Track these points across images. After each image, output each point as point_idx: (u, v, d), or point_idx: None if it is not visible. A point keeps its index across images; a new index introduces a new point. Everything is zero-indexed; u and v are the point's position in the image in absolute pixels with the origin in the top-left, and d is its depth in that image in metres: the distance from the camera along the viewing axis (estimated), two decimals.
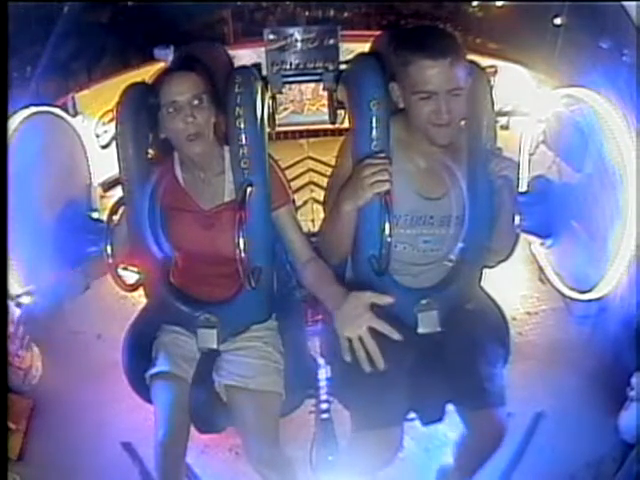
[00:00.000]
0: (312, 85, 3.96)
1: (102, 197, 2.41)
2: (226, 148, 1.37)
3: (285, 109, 4.13)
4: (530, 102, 2.34)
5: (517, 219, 1.35)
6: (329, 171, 1.46)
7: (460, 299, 1.45)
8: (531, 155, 1.86)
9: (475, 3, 5.99)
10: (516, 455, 1.77)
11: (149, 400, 1.41)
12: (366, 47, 1.63)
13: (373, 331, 1.15)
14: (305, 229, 1.46)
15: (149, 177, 1.37)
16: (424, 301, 1.39)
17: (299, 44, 2.39)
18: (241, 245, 1.27)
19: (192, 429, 1.38)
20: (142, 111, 1.33)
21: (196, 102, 1.28)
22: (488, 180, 1.31)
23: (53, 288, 1.44)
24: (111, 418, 1.95)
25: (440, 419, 1.39)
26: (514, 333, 1.63)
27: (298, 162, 3.81)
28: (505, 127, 2.85)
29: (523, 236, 1.52)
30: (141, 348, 1.48)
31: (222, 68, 1.49)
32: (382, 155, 1.26)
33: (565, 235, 1.71)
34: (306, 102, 4.18)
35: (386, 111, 1.28)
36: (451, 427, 1.54)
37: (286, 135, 4.12)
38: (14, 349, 2.05)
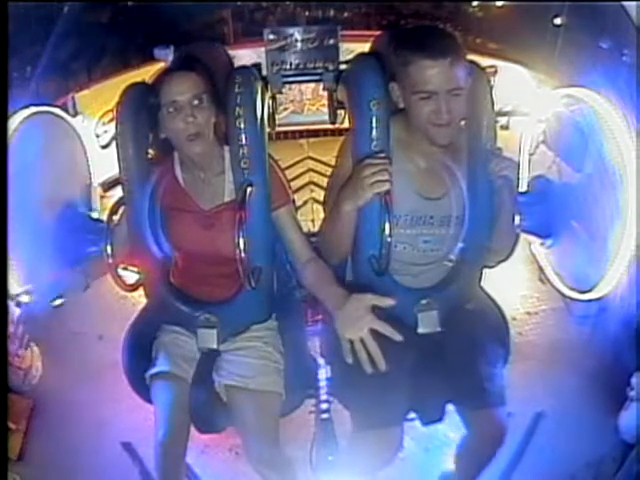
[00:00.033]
0: (312, 85, 3.96)
1: (102, 197, 2.41)
2: (226, 148, 1.37)
3: (285, 109, 4.13)
4: (530, 102, 2.34)
5: (517, 219, 1.35)
6: (329, 171, 1.46)
7: (460, 299, 1.45)
8: (531, 155, 1.86)
9: (475, 3, 5.99)
10: (516, 455, 1.77)
11: (149, 400, 1.41)
12: (366, 47, 1.63)
13: (374, 332, 1.15)
14: (305, 229, 1.46)
15: (149, 177, 1.37)
16: (424, 301, 1.39)
17: (299, 44, 2.39)
18: (241, 245, 1.27)
19: (192, 429, 1.38)
20: (142, 111, 1.32)
21: (196, 102, 1.28)
22: (488, 180, 1.31)
23: (53, 288, 1.44)
24: (111, 418, 1.95)
25: (440, 419, 1.39)
26: (514, 333, 1.63)
27: (298, 162, 3.81)
28: (505, 127, 2.85)
29: (523, 236, 1.52)
30: (141, 348, 1.48)
31: (222, 68, 1.49)
32: (382, 155, 1.26)
33: (565, 235, 1.71)
34: (306, 102, 4.18)
35: (386, 111, 1.28)
36: (451, 427, 1.54)
37: (286, 135, 4.12)
38: (14, 349, 2.05)
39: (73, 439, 1.89)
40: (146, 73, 1.45)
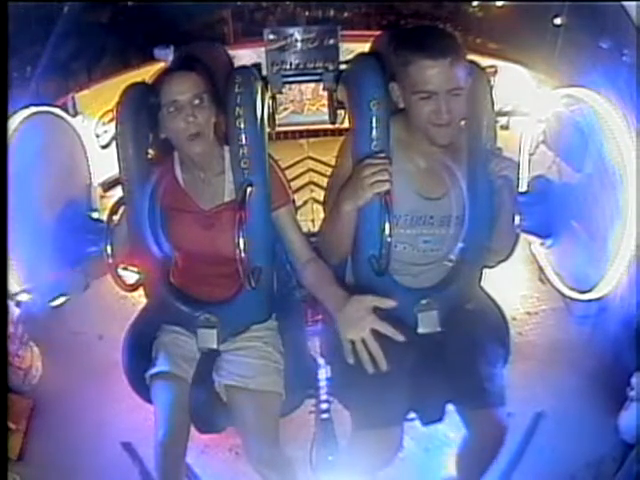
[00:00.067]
0: (312, 85, 3.96)
1: (102, 197, 2.41)
2: (226, 148, 1.37)
3: (285, 109, 4.13)
4: (530, 102, 2.34)
5: (517, 219, 1.35)
6: (329, 171, 1.46)
7: (460, 299, 1.45)
8: (531, 155, 1.86)
9: (475, 3, 5.99)
10: (516, 455, 1.77)
11: (149, 400, 1.41)
12: (366, 47, 1.63)
13: (375, 332, 1.15)
14: (305, 229, 1.46)
15: (149, 177, 1.37)
16: (424, 301, 1.39)
17: (299, 44, 2.39)
18: (241, 245, 1.27)
19: (192, 429, 1.38)
20: (142, 111, 1.33)
21: (197, 102, 1.28)
22: (488, 180, 1.31)
23: (53, 288, 1.44)
24: (111, 418, 1.95)
25: (440, 419, 1.39)
26: (514, 333, 1.63)
27: (298, 162, 3.81)
28: (505, 127, 2.85)
29: (523, 236, 1.52)
30: (141, 348, 1.48)
31: (222, 68, 1.49)
32: (382, 155, 1.26)
33: (565, 235, 1.71)
34: (306, 102, 4.18)
35: (386, 111, 1.28)
36: (451, 427, 1.54)
37: (286, 135, 4.12)
38: (14, 349, 2.05)
39: (73, 439, 1.89)
40: (146, 73, 1.45)
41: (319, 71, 2.37)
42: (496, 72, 3.10)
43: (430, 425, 1.41)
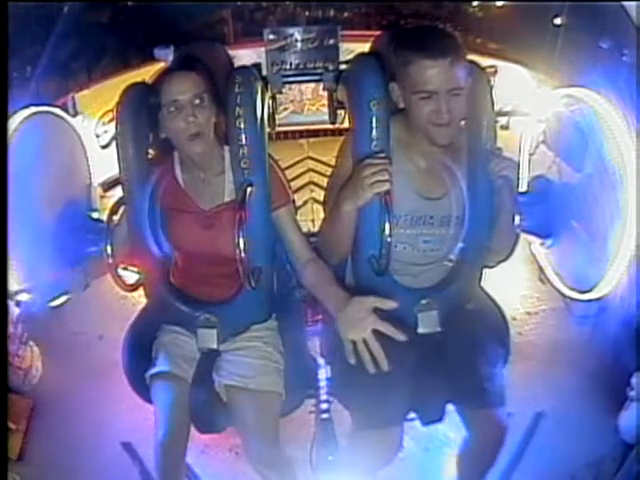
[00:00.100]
0: (312, 85, 3.96)
1: (102, 197, 2.41)
2: (226, 148, 1.37)
3: (285, 109, 4.13)
4: (530, 102, 2.34)
5: (517, 219, 1.35)
6: (329, 171, 1.46)
7: (460, 299, 1.45)
8: (531, 155, 1.86)
9: (475, 3, 5.99)
10: (516, 455, 1.77)
11: (149, 400, 1.41)
12: (366, 47, 1.63)
13: (376, 332, 1.15)
14: (305, 229, 1.46)
15: (149, 177, 1.37)
16: (424, 301, 1.39)
17: (299, 44, 2.39)
18: (241, 245, 1.27)
19: (192, 429, 1.38)
20: (142, 111, 1.33)
21: (197, 101, 1.28)
22: (488, 180, 1.31)
23: (53, 288, 1.44)
24: (111, 418, 1.95)
25: (440, 419, 1.39)
26: (514, 333, 1.63)
27: (298, 162, 3.81)
28: (505, 127, 2.85)
29: (523, 236, 1.52)
30: (141, 348, 1.48)
31: (222, 68, 1.49)
32: (382, 155, 1.26)
33: (565, 235, 1.71)
34: (306, 102, 4.18)
35: (386, 111, 1.28)
36: (451, 427, 1.54)
37: (286, 135, 4.12)
38: (14, 349, 2.05)
39: (73, 439, 1.89)
40: (146, 73, 1.45)
41: (319, 71, 2.37)
42: (496, 72, 3.10)
43: (430, 425, 1.41)
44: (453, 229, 1.35)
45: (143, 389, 1.43)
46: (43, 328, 2.09)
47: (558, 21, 3.45)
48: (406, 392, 1.34)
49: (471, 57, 1.28)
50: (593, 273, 1.56)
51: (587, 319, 2.11)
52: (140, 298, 1.59)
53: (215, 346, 1.42)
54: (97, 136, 3.05)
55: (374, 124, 1.27)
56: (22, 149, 1.51)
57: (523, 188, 1.79)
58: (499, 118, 1.61)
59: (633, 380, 1.83)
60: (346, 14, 6.43)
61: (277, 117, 3.25)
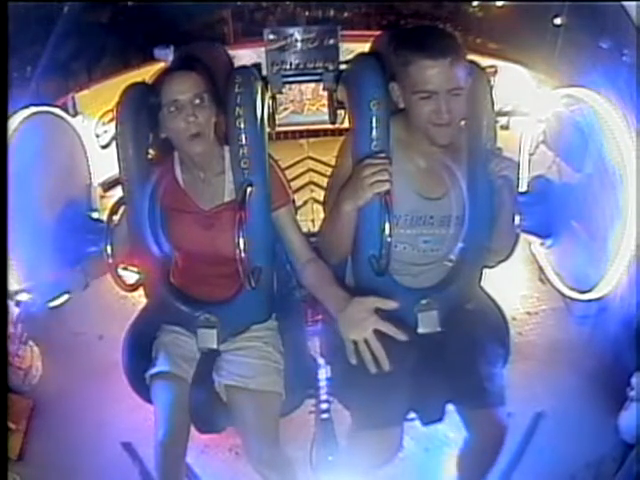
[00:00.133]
0: (312, 85, 3.96)
1: (102, 197, 2.41)
2: (226, 148, 1.37)
3: (285, 109, 4.13)
4: (530, 102, 2.34)
5: (517, 219, 1.35)
6: (329, 171, 1.46)
7: (460, 299, 1.45)
8: (531, 155, 1.86)
9: (475, 3, 5.99)
10: (516, 455, 1.77)
11: (149, 400, 1.41)
12: (366, 47, 1.63)
13: (377, 332, 1.15)
14: (305, 229, 1.46)
15: (149, 177, 1.37)
16: (424, 301, 1.39)
17: (299, 44, 2.39)
18: (241, 245, 1.27)
19: (192, 429, 1.38)
20: (142, 111, 1.33)
21: (197, 101, 1.28)
22: (488, 180, 1.31)
23: (53, 287, 1.44)
24: (111, 418, 1.95)
25: (440, 419, 1.39)
26: (514, 333, 1.63)
27: (298, 162, 3.81)
28: (505, 127, 2.85)
29: (523, 236, 1.52)
30: (141, 348, 1.48)
31: (222, 68, 1.49)
32: (382, 155, 1.26)
33: (565, 235, 1.71)
34: (306, 102, 4.18)
35: (386, 111, 1.28)
36: (451, 427, 1.54)
37: (286, 135, 4.12)
38: (14, 349, 2.05)
39: (73, 439, 1.89)
40: (146, 73, 1.45)
41: (319, 71, 2.37)
42: (496, 72, 3.10)
43: (430, 425, 1.41)
44: (453, 229, 1.35)
45: (143, 389, 1.43)
46: (43, 328, 2.09)
47: (558, 21, 3.45)
48: (406, 392, 1.34)
49: (471, 57, 1.28)
50: (593, 273, 1.56)
51: (587, 319, 2.11)
52: (140, 298, 1.59)
53: (215, 346, 1.42)
54: (97, 136, 3.06)
55: (374, 124, 1.27)
56: (22, 149, 1.51)
57: (523, 188, 1.79)
58: (499, 118, 1.61)
59: (633, 380, 1.83)
60: (346, 14, 6.43)
61: (277, 117, 3.25)
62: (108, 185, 2.61)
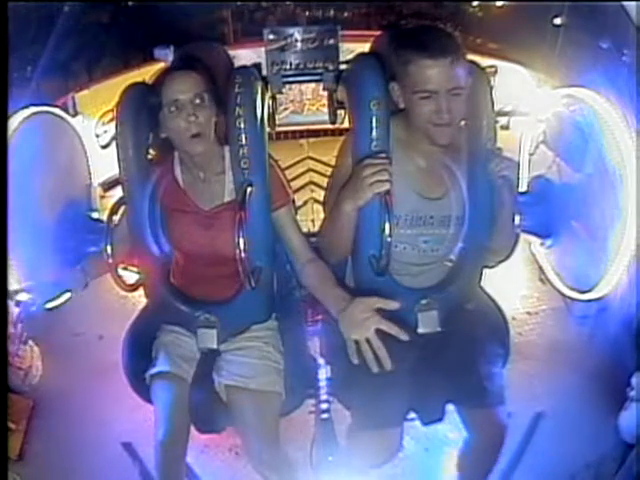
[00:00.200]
0: (312, 85, 3.96)
1: (102, 197, 2.40)
2: (226, 148, 1.37)
3: (285, 109, 4.13)
4: (530, 102, 2.34)
5: (517, 219, 1.35)
6: (329, 171, 1.46)
7: (460, 299, 1.45)
8: (531, 155, 1.86)
9: (475, 3, 5.99)
10: (516, 455, 1.77)
11: (149, 400, 1.41)
12: (366, 47, 1.63)
13: (378, 332, 1.15)
14: (305, 229, 1.46)
15: (149, 177, 1.37)
16: (424, 301, 1.39)
17: (299, 44, 2.39)
18: (241, 245, 1.27)
19: (192, 429, 1.38)
20: (142, 111, 1.33)
21: (198, 101, 1.28)
22: (488, 180, 1.31)
23: (53, 287, 1.45)
24: (111, 418, 1.95)
25: (440, 419, 1.39)
26: (514, 333, 1.63)
27: (298, 162, 3.81)
28: (505, 127, 2.85)
29: (523, 236, 1.52)
30: (141, 348, 1.48)
31: (222, 68, 1.49)
32: (382, 155, 1.26)
33: (565, 235, 1.71)
34: (306, 102, 4.18)
35: (386, 111, 1.28)
36: (451, 427, 1.54)
37: (286, 135, 4.11)
38: (14, 349, 2.05)
39: (73, 439, 1.89)
40: (146, 73, 1.45)
41: (319, 71, 2.37)
42: (496, 72, 3.10)
43: (430, 425, 1.41)
44: (453, 229, 1.35)
45: (143, 389, 1.43)
46: (43, 328, 2.09)
47: (558, 21, 3.45)
48: (406, 392, 1.34)
49: (471, 57, 1.28)
50: (593, 273, 1.56)
51: (587, 319, 2.11)
52: (140, 298, 1.59)
53: (215, 346, 1.42)
54: (97, 136, 3.05)
55: (374, 124, 1.27)
56: (22, 149, 1.51)
57: (523, 188, 1.79)
58: (499, 118, 1.61)
59: (633, 380, 1.83)
60: (346, 14, 6.43)
61: (277, 117, 3.25)
62: (108, 185, 2.61)
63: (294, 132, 4.17)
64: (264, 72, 2.33)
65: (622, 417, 1.86)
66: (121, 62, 4.72)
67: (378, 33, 1.66)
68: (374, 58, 1.35)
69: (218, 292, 1.43)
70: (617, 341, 1.87)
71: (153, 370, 1.41)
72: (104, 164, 2.08)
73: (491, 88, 1.35)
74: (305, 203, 3.15)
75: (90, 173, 1.92)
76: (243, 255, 1.28)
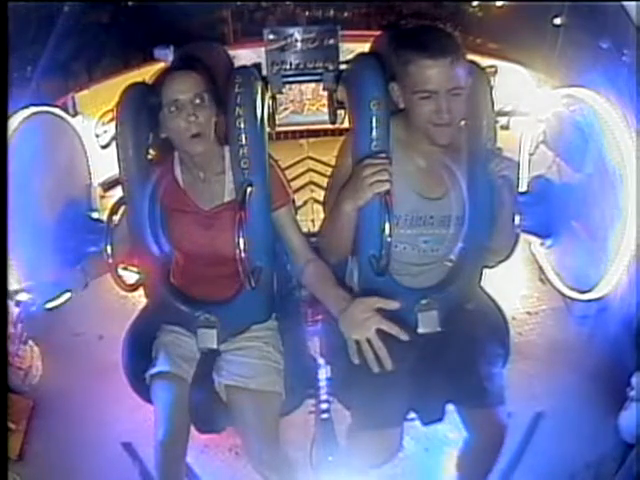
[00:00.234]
0: (312, 85, 3.96)
1: (102, 197, 2.40)
2: (226, 148, 1.37)
3: (285, 109, 4.13)
4: (530, 102, 2.34)
5: (517, 219, 1.35)
6: (329, 171, 1.46)
7: (460, 299, 1.45)
8: (531, 155, 1.86)
9: (475, 3, 5.99)
10: (516, 455, 1.77)
11: (149, 400, 1.41)
12: (366, 47, 1.63)
13: (379, 332, 1.15)
14: (305, 229, 1.46)
15: (149, 177, 1.37)
16: (424, 301, 1.39)
17: (299, 44, 2.39)
18: (241, 245, 1.27)
19: (192, 429, 1.38)
20: (142, 111, 1.33)
21: (198, 101, 1.28)
22: (488, 180, 1.31)
23: (53, 287, 1.45)
24: (111, 418, 1.95)
25: (440, 419, 1.39)
26: (514, 333, 1.63)
27: (298, 162, 3.81)
28: (505, 127, 2.85)
29: (523, 236, 1.52)
30: (141, 348, 1.48)
31: (222, 68, 1.49)
32: (382, 155, 1.26)
33: (565, 235, 1.71)
34: (306, 102, 4.18)
35: (386, 111, 1.28)
36: (451, 427, 1.54)
37: (286, 135, 4.11)
38: (14, 349, 2.05)
39: (73, 439, 1.89)
40: (146, 73, 1.45)
41: (319, 71, 2.37)
42: (496, 72, 3.10)
43: (430, 425, 1.41)
44: (453, 229, 1.35)
45: (143, 389, 1.43)
46: (43, 328, 2.09)
47: (558, 21, 3.45)
48: (406, 392, 1.34)
49: (471, 57, 1.28)
50: (593, 273, 1.56)
51: (587, 319, 2.11)
52: (140, 298, 1.59)
53: (215, 346, 1.42)
54: (97, 136, 3.05)
55: (374, 124, 1.27)
56: (22, 149, 1.52)
57: (523, 188, 1.79)
58: (499, 118, 1.61)
59: (633, 380, 1.83)
60: (346, 14, 6.42)
61: (277, 117, 3.25)
62: (108, 185, 2.61)
63: (294, 132, 4.17)
64: (264, 72, 2.33)
65: (622, 417, 1.86)
66: (121, 62, 4.71)
67: (378, 33, 1.66)
68: (374, 58, 1.35)
69: (218, 292, 1.43)
70: (617, 341, 1.87)
71: (153, 370, 1.41)
72: (104, 164, 2.08)
73: (491, 88, 1.35)
74: (305, 203, 3.15)
75: (90, 173, 1.92)
76: (243, 255, 1.28)
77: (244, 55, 2.95)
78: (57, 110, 1.79)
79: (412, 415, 1.40)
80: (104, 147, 3.00)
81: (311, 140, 4.15)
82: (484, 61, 2.54)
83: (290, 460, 1.41)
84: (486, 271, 1.49)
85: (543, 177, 1.77)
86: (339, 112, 2.36)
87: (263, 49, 2.41)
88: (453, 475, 1.48)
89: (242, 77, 1.34)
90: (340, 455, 1.49)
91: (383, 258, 1.28)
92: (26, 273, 1.53)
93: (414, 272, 1.40)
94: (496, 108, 1.36)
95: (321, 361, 1.54)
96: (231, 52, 1.69)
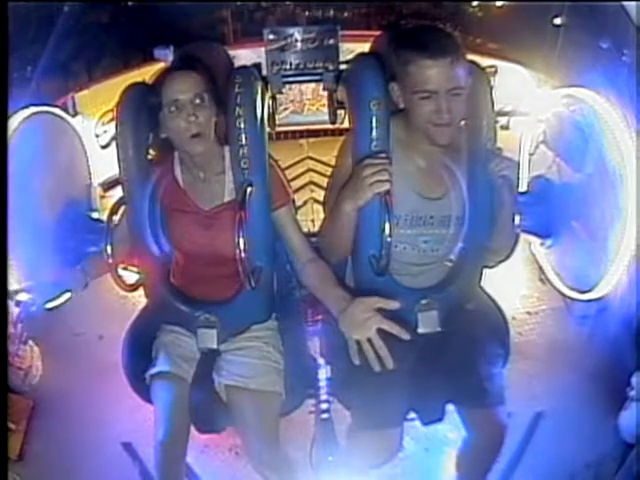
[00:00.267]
0: (312, 85, 3.96)
1: (102, 197, 2.40)
2: (226, 148, 1.37)
3: (285, 109, 4.13)
4: (530, 102, 2.34)
5: (517, 219, 1.35)
6: (329, 171, 1.46)
7: (460, 299, 1.45)
8: (531, 155, 1.86)
9: (475, 3, 5.99)
10: (516, 455, 1.77)
11: (149, 400, 1.41)
12: (366, 47, 1.63)
13: (379, 332, 1.15)
14: (305, 229, 1.46)
15: (149, 177, 1.37)
16: (424, 301, 1.39)
17: (299, 44, 2.39)
18: (241, 245, 1.27)
19: (192, 429, 1.38)
20: (142, 111, 1.33)
21: (198, 101, 1.28)
22: (488, 180, 1.31)
23: (53, 287, 1.45)
24: (111, 418, 1.95)
25: (440, 419, 1.39)
26: (514, 333, 1.63)
27: (298, 162, 3.81)
28: (505, 127, 2.85)
29: (523, 236, 1.52)
30: (141, 348, 1.48)
31: (222, 68, 1.49)
32: (382, 155, 1.26)
33: (565, 235, 1.71)
34: (306, 102, 4.18)
35: (386, 111, 1.28)
36: (451, 427, 1.54)
37: (286, 135, 4.11)
38: (14, 349, 2.05)
39: (73, 439, 1.89)
40: (146, 73, 1.45)
41: (319, 71, 2.37)
42: (496, 72, 3.10)
43: (430, 425, 1.41)
44: (453, 229, 1.35)
45: (143, 389, 1.43)
46: (43, 328, 2.09)
47: (558, 21, 3.44)
48: (406, 392, 1.34)
49: (471, 57, 1.28)
50: (593, 273, 1.56)
51: (587, 319, 2.11)
52: (140, 298, 1.59)
53: (215, 346, 1.42)
54: (97, 136, 3.05)
55: (374, 124, 1.27)
56: (22, 149, 1.52)
57: (523, 188, 1.79)
58: (499, 118, 1.61)
59: (633, 380, 1.83)
60: (346, 14, 6.42)
61: (277, 117, 3.25)
62: (108, 185, 2.61)
63: (294, 132, 4.17)
64: (264, 72, 2.34)
65: (622, 417, 1.86)
66: (121, 62, 4.71)
67: (378, 33, 1.66)
68: (374, 58, 1.35)
69: (218, 292, 1.43)
70: (617, 341, 1.87)
71: (153, 370, 1.41)
72: (104, 164, 2.08)
73: (491, 88, 1.35)
74: (305, 203, 3.15)
75: (90, 173, 1.92)
76: (243, 255, 1.28)
77: (244, 55, 2.95)
78: (57, 110, 1.79)
79: (412, 415, 1.40)
80: (104, 147, 3.00)
81: (311, 140, 4.15)
82: (484, 61, 2.54)
83: (290, 460, 1.41)
84: (486, 271, 1.49)
85: (543, 177, 1.77)
86: (339, 112, 2.37)
87: (263, 49, 2.41)
88: (453, 475, 1.48)
89: (242, 77, 1.34)
90: (340, 455, 1.49)
91: (383, 258, 1.28)
92: (26, 273, 1.53)
93: (414, 272, 1.40)
94: (496, 108, 1.36)
95: (321, 361, 1.54)
96: (231, 52, 1.69)
